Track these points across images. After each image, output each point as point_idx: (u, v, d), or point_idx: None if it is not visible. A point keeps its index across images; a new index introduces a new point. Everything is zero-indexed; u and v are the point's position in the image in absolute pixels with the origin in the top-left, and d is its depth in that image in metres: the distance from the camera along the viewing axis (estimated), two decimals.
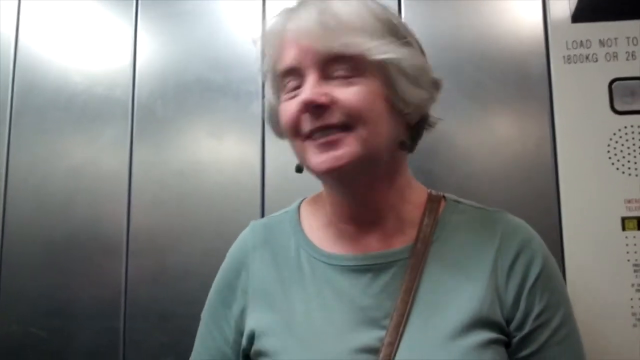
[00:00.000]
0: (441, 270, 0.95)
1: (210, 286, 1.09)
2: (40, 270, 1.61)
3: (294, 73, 0.92)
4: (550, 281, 0.97)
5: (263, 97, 1.59)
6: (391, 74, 0.92)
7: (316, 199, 1.09)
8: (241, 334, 1.01)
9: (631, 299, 1.41)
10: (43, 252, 1.62)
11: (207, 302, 1.08)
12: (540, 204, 1.47)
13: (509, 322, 0.93)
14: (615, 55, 1.50)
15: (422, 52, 1.03)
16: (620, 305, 1.42)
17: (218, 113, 1.62)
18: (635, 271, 1.42)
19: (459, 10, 1.57)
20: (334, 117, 0.90)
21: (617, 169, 1.46)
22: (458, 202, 1.05)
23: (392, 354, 0.88)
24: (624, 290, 1.42)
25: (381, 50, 0.91)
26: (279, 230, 1.06)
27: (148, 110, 1.65)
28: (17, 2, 1.75)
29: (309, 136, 0.92)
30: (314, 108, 0.89)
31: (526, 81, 1.53)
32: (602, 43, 1.51)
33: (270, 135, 1.57)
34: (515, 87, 1.53)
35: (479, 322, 0.91)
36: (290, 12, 0.94)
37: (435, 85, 1.00)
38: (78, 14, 1.74)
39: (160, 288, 1.53)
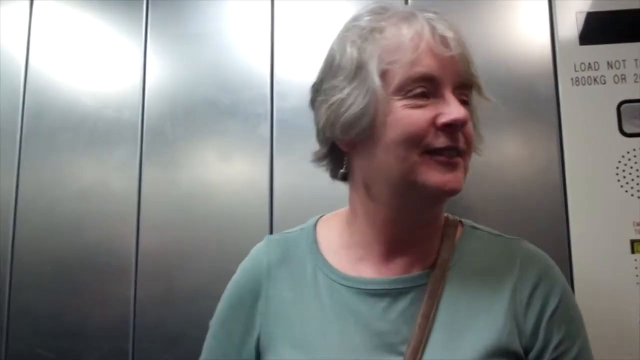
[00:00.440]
0: (459, 297, 0.96)
1: None
2: (50, 291, 1.63)
3: (430, 82, 0.91)
4: (568, 311, 0.98)
5: (272, 118, 1.64)
6: (475, 109, 0.99)
7: (334, 219, 1.08)
8: (253, 354, 1.01)
9: None
10: (52, 273, 1.65)
11: (217, 314, 1.07)
12: (548, 226, 1.49)
13: (527, 351, 0.94)
14: (623, 78, 1.53)
15: None
16: (629, 329, 1.43)
17: (226, 135, 1.65)
18: None
19: (467, 32, 1.58)
20: (461, 142, 0.92)
21: (626, 191, 1.48)
22: (475, 228, 1.06)
23: None
24: (632, 314, 1.43)
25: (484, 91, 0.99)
26: (295, 249, 1.05)
27: (157, 131, 1.68)
28: (27, 24, 1.79)
29: (427, 152, 0.91)
30: (458, 128, 0.91)
31: (534, 103, 1.55)
32: (610, 65, 1.54)
33: (278, 156, 1.64)
34: (524, 109, 1.55)
35: (498, 352, 0.92)
36: (429, 20, 0.94)
37: None
38: (87, 36, 1.78)
39: (169, 309, 1.55)
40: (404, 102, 0.91)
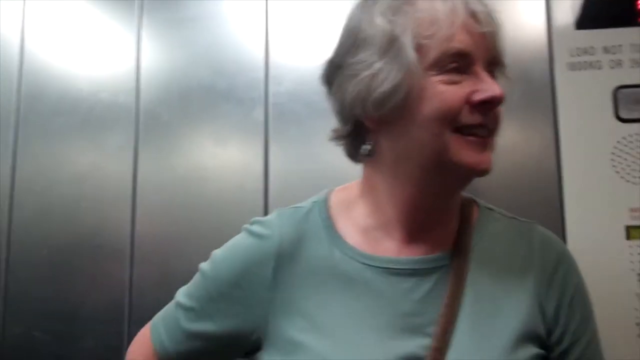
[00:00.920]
0: (483, 281, 0.96)
1: None
2: (46, 275, 1.67)
3: (464, 58, 0.90)
4: (583, 296, 1.02)
5: (266, 102, 1.67)
6: None
7: (346, 194, 1.06)
8: (252, 332, 0.98)
9: (635, 309, 1.46)
10: (48, 257, 1.68)
11: (213, 270, 1.05)
12: (544, 212, 1.51)
13: (549, 335, 0.96)
14: (619, 63, 1.55)
15: None
16: (624, 315, 1.46)
17: (221, 119, 1.67)
18: (639, 280, 1.47)
19: None
20: (493, 120, 0.93)
21: (622, 177, 1.51)
22: (490, 209, 1.07)
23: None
24: (628, 300, 1.46)
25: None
26: (308, 224, 1.02)
27: (152, 116, 1.71)
28: (22, 8, 1.81)
29: (458, 130, 0.90)
30: (492, 105, 0.91)
31: (530, 88, 1.57)
32: (606, 50, 1.56)
33: (273, 140, 1.66)
34: (519, 94, 1.56)
35: (527, 335, 0.93)
36: None
37: None
38: (82, 20, 1.80)
39: (165, 292, 1.56)
40: (440, 77, 0.90)
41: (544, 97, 1.57)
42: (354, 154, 1.04)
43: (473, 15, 0.91)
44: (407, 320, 0.92)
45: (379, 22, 0.92)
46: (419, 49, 0.90)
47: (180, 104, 1.71)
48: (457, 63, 0.90)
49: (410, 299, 0.93)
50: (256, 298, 0.98)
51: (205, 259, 1.09)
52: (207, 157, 1.68)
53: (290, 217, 1.03)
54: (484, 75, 0.91)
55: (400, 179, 0.97)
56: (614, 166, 1.52)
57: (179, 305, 1.06)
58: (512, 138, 1.60)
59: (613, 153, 1.52)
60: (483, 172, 0.92)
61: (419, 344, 0.91)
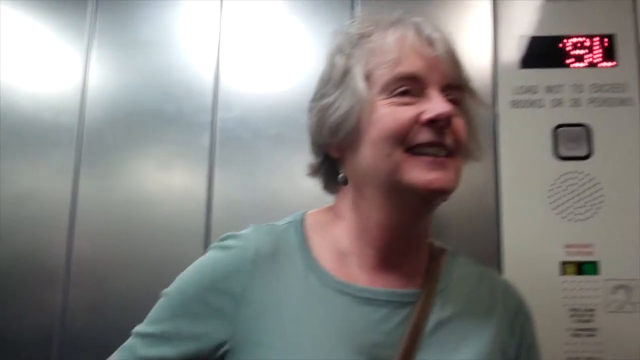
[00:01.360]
0: (448, 319, 0.99)
1: None
2: None
3: (414, 82, 0.95)
4: (535, 341, 1.09)
5: (213, 128, 1.67)
6: (471, 116, 1.05)
7: (321, 218, 1.07)
8: (217, 349, 0.96)
9: (566, 344, 1.51)
10: None
11: (180, 287, 1.01)
12: (482, 246, 1.57)
13: None
14: (560, 102, 1.61)
15: None
16: (556, 349, 1.51)
17: (167, 143, 1.67)
18: (571, 316, 1.52)
19: None
20: (449, 140, 0.95)
21: (558, 213, 1.57)
22: (455, 254, 1.12)
23: None
24: (559, 335, 1.52)
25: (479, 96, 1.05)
26: (284, 243, 1.02)
27: (96, 137, 1.69)
28: None
29: (411, 150, 0.94)
30: (442, 123, 0.94)
31: None
32: (548, 89, 1.62)
33: (219, 167, 1.66)
34: None
35: None
36: (415, 23, 1.00)
37: None
38: (28, 38, 1.78)
39: (100, 318, 1.56)
40: (389, 100, 0.95)
41: (486, 133, 1.61)
42: (329, 186, 1.10)
43: (427, 40, 0.97)
44: (375, 351, 0.94)
45: (337, 58, 1.01)
46: (370, 76, 0.97)
47: (126, 126, 1.71)
48: (408, 86, 0.95)
49: (380, 330, 0.96)
50: (224, 313, 0.96)
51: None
52: (151, 181, 1.68)
53: (267, 232, 1.03)
54: (435, 96, 0.95)
55: (366, 205, 1.00)
56: (550, 203, 1.58)
57: (137, 334, 1.03)
58: None
59: (550, 190, 1.58)
60: (438, 190, 0.94)
61: None
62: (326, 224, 1.06)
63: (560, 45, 1.66)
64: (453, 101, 0.98)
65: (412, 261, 1.03)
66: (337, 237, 1.03)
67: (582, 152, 1.60)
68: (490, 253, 1.57)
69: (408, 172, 0.93)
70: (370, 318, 0.96)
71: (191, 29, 1.76)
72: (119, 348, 1.04)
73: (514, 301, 1.09)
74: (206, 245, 1.59)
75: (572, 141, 1.60)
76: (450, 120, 0.94)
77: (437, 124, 0.94)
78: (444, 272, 1.05)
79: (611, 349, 1.52)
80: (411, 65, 0.95)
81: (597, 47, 1.64)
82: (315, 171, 1.11)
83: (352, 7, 1.70)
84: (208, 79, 1.71)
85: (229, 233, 1.04)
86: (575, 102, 1.62)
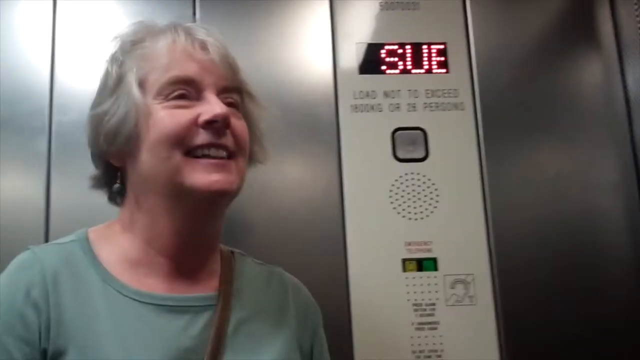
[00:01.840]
0: (248, 319, 1.04)
1: None
2: None
3: (189, 85, 0.98)
4: (323, 331, 1.18)
5: (50, 132, 1.62)
6: (253, 119, 1.08)
7: (106, 232, 1.06)
8: None
9: (411, 337, 1.59)
10: None
11: None
12: (327, 245, 1.62)
13: None
14: (397, 107, 1.71)
15: None
16: (402, 343, 1.59)
17: (0, 149, 1.59)
18: (415, 310, 1.60)
19: (254, 57, 1.70)
20: (229, 141, 0.98)
21: (398, 213, 1.65)
22: (244, 255, 1.17)
23: None
24: (404, 329, 1.60)
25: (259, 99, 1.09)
26: (74, 260, 1.00)
27: None
28: None
29: (190, 153, 0.96)
30: (220, 124, 0.96)
31: (316, 127, 1.68)
32: (386, 94, 1.72)
33: (56, 173, 1.60)
34: (306, 133, 1.68)
35: None
36: (187, 28, 1.03)
37: None
38: None
39: None
40: (165, 104, 0.97)
41: (329, 137, 1.69)
42: (113, 197, 1.10)
43: (200, 44, 1.01)
44: (187, 356, 0.96)
45: (110, 66, 1.04)
46: (144, 82, 0.99)
47: None
48: (183, 90, 0.98)
49: (187, 335, 0.97)
50: (33, 337, 0.92)
51: None
52: None
53: (50, 252, 1.01)
54: (211, 98, 0.98)
55: (151, 212, 1.01)
56: (391, 202, 1.66)
57: None
58: (299, 174, 1.70)
59: (391, 190, 1.67)
60: (220, 192, 0.97)
61: None
62: (111, 237, 1.05)
63: (397, 51, 1.75)
64: (232, 104, 1.02)
65: (206, 265, 1.06)
66: (126, 249, 1.03)
67: (419, 155, 1.70)
68: (336, 253, 1.63)
69: (188, 175, 0.95)
70: (176, 325, 0.97)
71: (23, 27, 1.69)
72: None
73: (304, 297, 1.17)
74: None
75: (410, 144, 1.70)
76: (227, 121, 0.98)
77: (215, 125, 0.97)
78: (237, 274, 1.09)
79: (452, 340, 1.61)
80: (184, 69, 0.98)
81: (431, 54, 1.75)
82: (97, 183, 1.11)
83: (194, 7, 1.72)
84: (43, 81, 1.65)
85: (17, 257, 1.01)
86: (412, 107, 1.72)
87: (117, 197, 1.08)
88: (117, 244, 1.04)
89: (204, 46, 1.01)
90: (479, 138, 1.73)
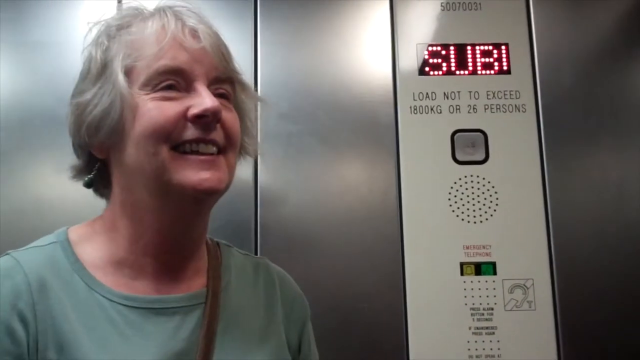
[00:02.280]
0: (237, 314, 1.00)
1: None
2: None
3: (179, 75, 0.91)
4: (310, 325, 1.13)
5: None
6: (245, 110, 1.02)
7: (87, 231, 1.00)
8: None
9: (468, 342, 1.59)
10: None
11: None
12: (384, 247, 1.63)
13: None
14: (458, 108, 1.71)
15: None
16: (458, 347, 1.59)
17: (64, 148, 1.62)
18: (472, 314, 1.60)
19: (315, 59, 1.73)
20: (219, 136, 0.92)
21: (457, 216, 1.65)
22: (229, 246, 1.10)
23: None
24: (461, 333, 1.60)
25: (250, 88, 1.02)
26: (55, 265, 0.93)
27: None
28: None
29: (178, 148, 0.90)
30: (210, 119, 0.90)
31: (375, 129, 1.69)
32: (446, 96, 1.72)
33: None
34: (365, 135, 1.69)
35: None
36: (177, 14, 0.95)
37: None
38: None
39: None
40: (152, 95, 0.91)
41: (388, 138, 1.70)
42: (98, 190, 1.02)
43: (191, 32, 0.94)
44: (179, 359, 0.92)
45: (94, 51, 0.95)
46: (130, 71, 0.92)
47: (20, 131, 1.68)
48: (172, 80, 0.91)
49: (178, 338, 0.93)
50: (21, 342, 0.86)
51: None
52: (46, 188, 1.65)
53: (30, 257, 0.93)
54: (202, 90, 0.91)
55: (136, 209, 0.95)
56: (450, 205, 1.66)
57: None
58: (357, 176, 1.71)
59: (450, 193, 1.67)
60: (209, 190, 0.91)
61: None
62: (93, 237, 0.98)
63: (458, 52, 1.75)
64: (223, 95, 0.96)
65: (193, 262, 1.01)
66: (110, 249, 0.96)
67: (479, 157, 1.69)
68: (393, 254, 1.64)
69: (176, 172, 0.90)
70: (165, 327, 0.93)
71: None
72: None
73: (291, 289, 1.11)
74: None
75: (470, 146, 1.69)
76: (218, 115, 0.92)
77: (205, 119, 0.91)
78: (224, 268, 1.05)
79: (509, 346, 1.60)
80: (174, 58, 0.92)
81: (493, 55, 1.74)
82: (78, 174, 1.03)
83: (255, 14, 1.74)
84: None
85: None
86: (473, 108, 1.72)
87: (102, 190, 1.02)
88: (99, 244, 0.97)
89: (194, 34, 0.94)
90: (540, 140, 1.71)
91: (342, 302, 1.61)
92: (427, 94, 1.72)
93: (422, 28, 1.77)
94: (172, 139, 0.90)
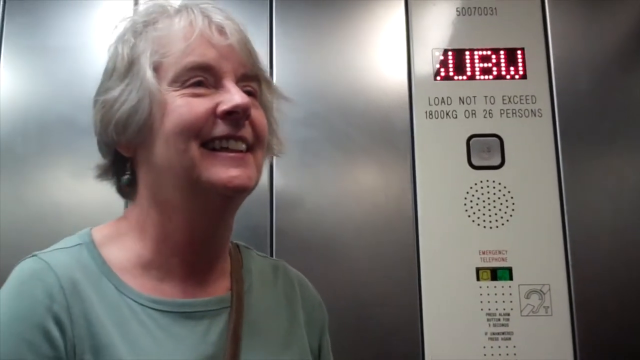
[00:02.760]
0: (261, 317, 1.00)
1: None
2: None
3: (207, 72, 0.91)
4: (328, 330, 1.12)
5: None
6: (271, 109, 1.02)
7: (112, 232, 0.98)
8: None
9: (484, 347, 1.60)
10: None
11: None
12: (400, 252, 1.64)
13: None
14: (473, 113, 1.72)
15: None
16: (474, 353, 1.60)
17: (81, 153, 1.63)
18: (488, 320, 1.61)
19: (330, 64, 1.74)
20: (248, 133, 0.92)
21: (473, 221, 1.66)
22: (248, 248, 1.10)
23: None
24: (477, 338, 1.60)
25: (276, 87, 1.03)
26: (83, 267, 0.91)
27: (7, 148, 1.68)
28: None
29: (207, 145, 0.90)
30: (240, 115, 0.90)
31: (391, 134, 1.71)
32: (461, 100, 1.73)
33: None
34: (380, 140, 1.70)
35: None
36: (204, 10, 0.95)
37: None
38: None
39: None
40: (181, 92, 0.91)
41: (403, 143, 1.71)
42: (123, 190, 1.01)
43: (218, 28, 0.93)
44: None
45: (120, 48, 0.95)
46: (159, 67, 0.92)
47: (39, 136, 1.70)
48: (201, 77, 0.91)
49: (207, 341, 0.93)
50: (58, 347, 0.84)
51: None
52: (65, 192, 1.67)
53: (60, 259, 0.91)
54: (231, 87, 0.91)
55: (164, 208, 0.94)
56: (466, 210, 1.67)
57: None
58: (372, 181, 1.72)
59: (465, 198, 1.68)
60: (239, 188, 0.91)
61: None
62: (118, 238, 0.96)
63: (473, 57, 1.76)
64: (250, 93, 0.96)
65: (219, 264, 1.00)
66: (136, 250, 0.95)
67: (495, 162, 1.70)
68: (409, 259, 1.65)
69: (206, 169, 0.89)
70: (195, 331, 0.92)
71: (106, 35, 1.75)
72: None
73: (311, 295, 1.11)
74: None
75: (485, 151, 1.70)
76: (248, 112, 0.91)
77: (235, 116, 0.91)
78: (246, 270, 1.04)
79: (526, 351, 1.61)
80: (202, 54, 0.91)
81: (509, 59, 1.75)
82: (103, 173, 1.02)
83: (270, 19, 1.76)
84: None
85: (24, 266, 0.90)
86: (488, 113, 1.73)
87: (127, 189, 1.00)
88: (125, 245, 0.96)
89: (222, 30, 0.93)
90: (556, 145, 1.72)
91: (358, 307, 1.62)
92: (442, 98, 1.73)
93: (437, 33, 1.78)
94: (202, 136, 0.90)
